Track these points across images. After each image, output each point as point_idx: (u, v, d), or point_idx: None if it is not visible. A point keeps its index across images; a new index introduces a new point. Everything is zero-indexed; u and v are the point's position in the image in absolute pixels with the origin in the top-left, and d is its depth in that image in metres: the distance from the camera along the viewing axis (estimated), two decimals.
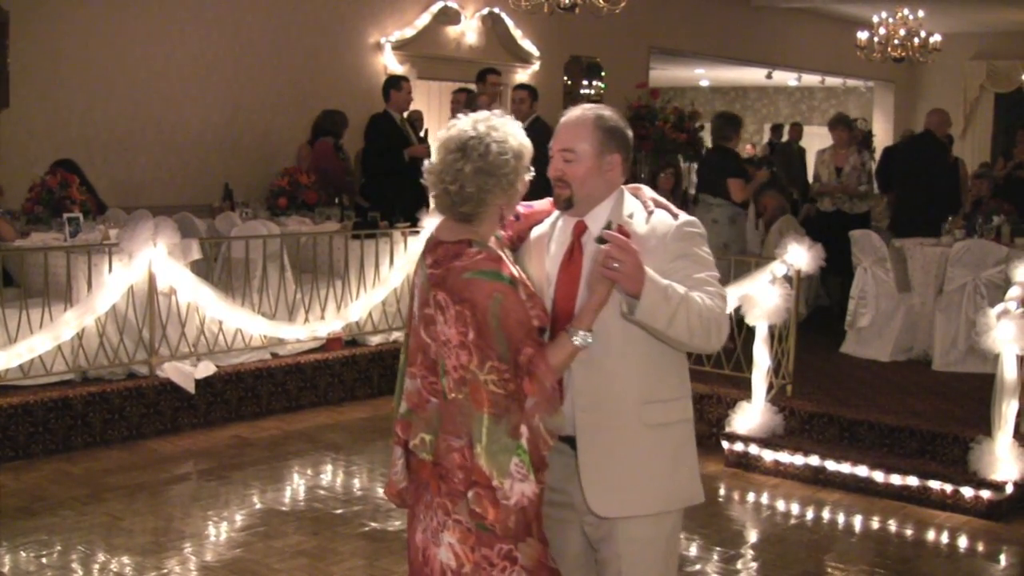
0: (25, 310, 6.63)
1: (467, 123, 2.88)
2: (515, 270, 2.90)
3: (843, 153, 9.88)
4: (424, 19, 12.16)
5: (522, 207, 3.15)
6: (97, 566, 5.03)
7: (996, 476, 5.91)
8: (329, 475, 6.56)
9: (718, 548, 5.47)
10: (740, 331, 6.96)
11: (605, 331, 2.87)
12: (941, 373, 7.88)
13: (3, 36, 8.63)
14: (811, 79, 21.31)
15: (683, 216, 3.01)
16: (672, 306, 2.77)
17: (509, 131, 2.87)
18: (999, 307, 5.96)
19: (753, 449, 6.66)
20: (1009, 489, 5.90)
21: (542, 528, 2.95)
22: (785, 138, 16.29)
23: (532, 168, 2.95)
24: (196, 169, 10.34)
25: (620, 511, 2.97)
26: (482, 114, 2.92)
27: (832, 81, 21.54)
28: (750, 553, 5.50)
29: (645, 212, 3.00)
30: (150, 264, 6.98)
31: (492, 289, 2.78)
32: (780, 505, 6.21)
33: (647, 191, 3.09)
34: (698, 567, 5.26)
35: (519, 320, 2.79)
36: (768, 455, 6.61)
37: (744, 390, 6.86)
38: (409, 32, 12.05)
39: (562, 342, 2.82)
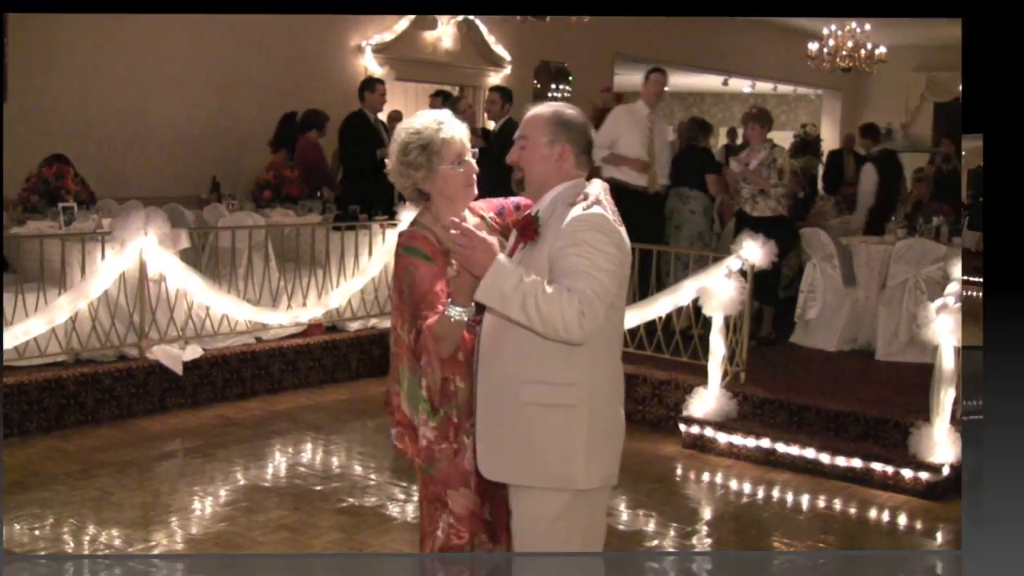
0: (21, 295, 6.55)
1: (407, 122, 3.17)
2: (449, 247, 3.04)
3: (755, 149, 8.33)
4: (403, 24, 12.10)
5: (524, 200, 3.31)
6: (88, 538, 4.98)
7: (934, 459, 5.95)
8: (309, 453, 6.52)
9: (675, 524, 5.48)
10: (698, 321, 7.00)
11: None
12: (884, 363, 7.92)
13: (1, 32, 8.51)
14: (764, 86, 21.40)
15: (593, 209, 2.91)
16: (504, 293, 2.78)
17: (425, 125, 3.11)
18: (938, 302, 6.01)
19: (708, 432, 6.68)
20: (946, 471, 5.95)
21: (484, 482, 3.09)
22: (740, 142, 16.36)
23: (460, 161, 3.12)
24: (185, 163, 10.24)
25: (494, 475, 3.04)
26: (429, 114, 3.17)
27: (784, 88, 21.64)
28: (705, 529, 5.53)
29: (579, 203, 2.94)
30: (141, 252, 6.91)
31: (408, 263, 3.09)
32: (733, 485, 6.23)
33: (595, 186, 3.02)
34: (656, 542, 5.28)
35: (423, 291, 3.04)
36: (722, 438, 6.63)
37: (700, 377, 6.87)
38: (388, 36, 12.00)
39: (442, 313, 2.98)
